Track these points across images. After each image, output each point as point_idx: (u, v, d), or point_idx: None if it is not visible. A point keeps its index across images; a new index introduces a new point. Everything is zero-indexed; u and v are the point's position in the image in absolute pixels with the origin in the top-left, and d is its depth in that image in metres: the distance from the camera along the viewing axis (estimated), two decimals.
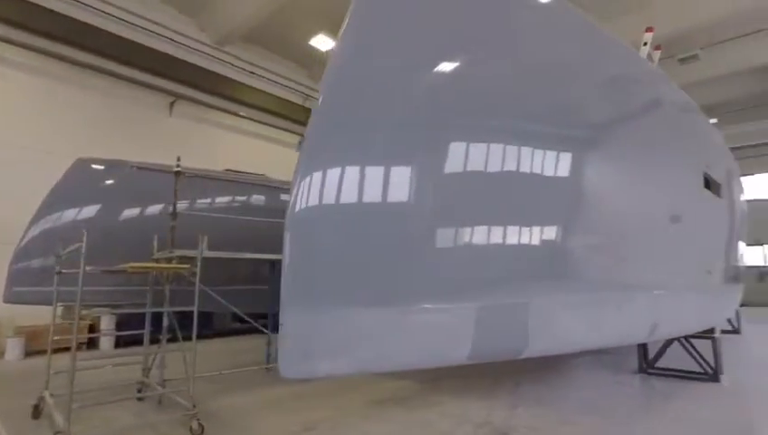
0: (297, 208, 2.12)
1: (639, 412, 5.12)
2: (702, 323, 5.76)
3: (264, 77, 14.20)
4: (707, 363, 6.36)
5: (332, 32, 13.21)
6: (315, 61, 15.29)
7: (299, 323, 2.13)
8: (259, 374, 6.72)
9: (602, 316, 3.01)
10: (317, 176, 2.15)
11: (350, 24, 2.47)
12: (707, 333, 6.24)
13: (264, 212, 8.10)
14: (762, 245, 22.04)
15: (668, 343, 6.62)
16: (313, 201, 2.13)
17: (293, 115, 15.06)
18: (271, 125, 14.39)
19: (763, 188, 22.44)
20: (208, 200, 8.22)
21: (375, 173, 2.20)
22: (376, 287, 2.22)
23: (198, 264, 4.91)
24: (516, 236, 2.45)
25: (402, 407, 5.21)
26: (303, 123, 15.38)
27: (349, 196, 2.17)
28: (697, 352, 6.43)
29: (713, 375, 6.25)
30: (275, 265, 7.28)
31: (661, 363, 6.68)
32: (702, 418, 4.80)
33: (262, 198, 9.12)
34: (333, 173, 2.16)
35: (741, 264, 7.56)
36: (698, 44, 13.47)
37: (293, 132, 15.12)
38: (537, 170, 2.66)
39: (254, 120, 13.89)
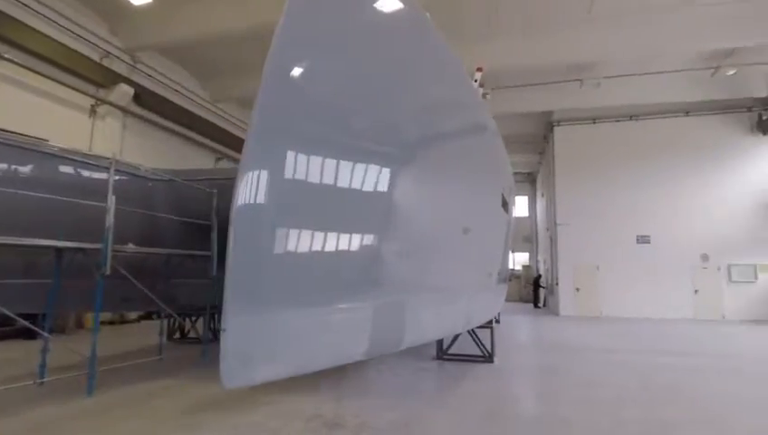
0: (243, 213, 2.04)
1: (440, 391, 6.01)
2: (489, 315, 7.10)
3: (48, 18, 11.31)
4: (485, 348, 7.84)
5: None
6: (123, 16, 12.95)
7: (244, 328, 2.07)
8: (29, 391, 5.35)
9: (443, 312, 3.52)
10: (261, 179, 2.12)
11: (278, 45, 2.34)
12: (488, 324, 7.69)
13: (40, 186, 6.43)
14: (512, 252, 28.42)
15: (458, 333, 7.90)
16: (259, 207, 2.08)
17: (87, 73, 12.38)
18: (55, 80, 11.52)
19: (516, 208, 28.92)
20: None
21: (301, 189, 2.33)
22: (307, 289, 2.32)
23: None
24: (395, 248, 2.71)
25: (225, 410, 4.89)
26: (99, 84, 12.84)
27: (286, 200, 2.23)
28: (478, 340, 7.87)
29: (489, 357, 7.74)
30: (62, 254, 5.90)
31: (452, 350, 7.93)
32: (483, 391, 5.91)
33: (37, 168, 7.22)
34: (275, 176, 2.18)
35: (508, 267, 9.57)
36: (489, 85, 16.31)
37: (86, 93, 12.47)
38: (402, 191, 2.93)
39: (31, 70, 10.90)
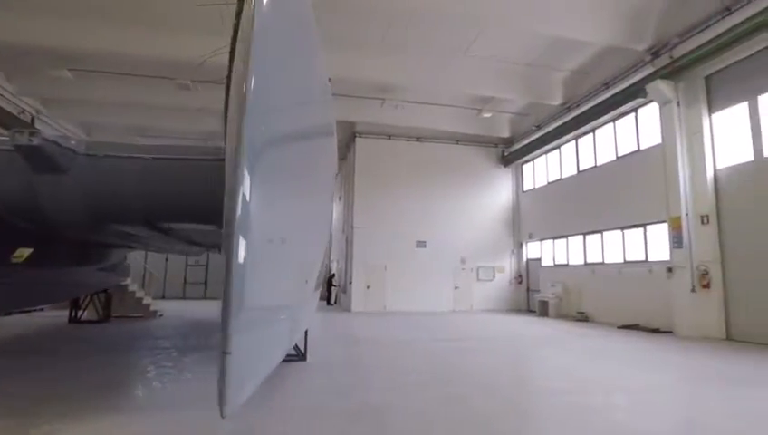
0: (243, 228, 1.86)
1: (265, 393, 5.87)
2: (311, 319, 7.34)
3: None
4: (298, 348, 8.03)
5: None
6: None
7: (246, 347, 1.94)
8: None
9: (302, 319, 3.62)
10: (254, 191, 1.94)
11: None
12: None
13: None
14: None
15: None
16: (253, 221, 1.89)
17: None
18: None
19: None
20: None
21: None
22: (276, 301, 2.43)
23: None
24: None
25: None
26: None
27: (270, 212, 2.16)
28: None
29: (302, 356, 7.97)
30: None
31: None
32: (307, 389, 6.12)
33: None
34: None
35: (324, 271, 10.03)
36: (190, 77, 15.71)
37: None
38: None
39: None
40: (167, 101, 17.59)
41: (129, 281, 14.80)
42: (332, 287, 24.43)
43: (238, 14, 2.87)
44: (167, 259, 25.43)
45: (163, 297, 23.71)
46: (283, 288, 2.64)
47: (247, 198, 1.81)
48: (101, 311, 13.77)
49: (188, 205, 6.51)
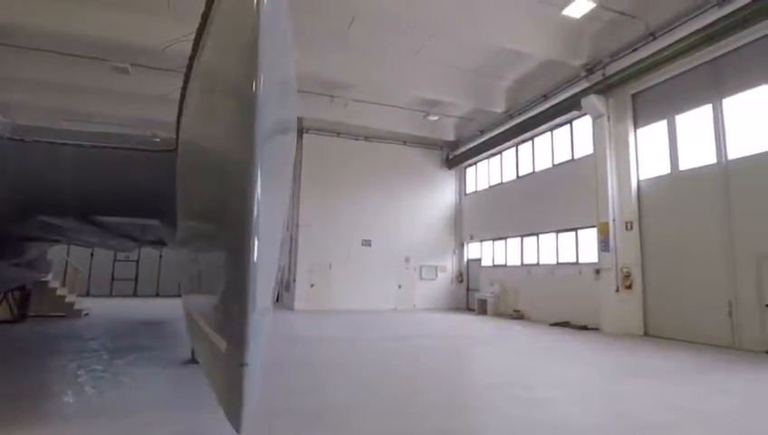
0: (257, 236, 1.80)
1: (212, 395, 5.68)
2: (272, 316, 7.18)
3: None
4: None
5: None
6: None
7: (259, 355, 1.90)
8: None
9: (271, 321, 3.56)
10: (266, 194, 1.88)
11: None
12: None
13: None
14: None
15: None
16: (262, 227, 1.81)
17: None
18: None
19: None
20: None
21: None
22: (269, 304, 2.51)
23: None
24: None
25: None
26: None
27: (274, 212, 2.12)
28: None
29: None
30: None
31: None
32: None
33: None
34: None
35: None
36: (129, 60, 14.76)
37: None
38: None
39: None
40: (99, 84, 16.32)
41: (50, 277, 13.57)
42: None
43: (209, 2, 2.75)
44: (92, 254, 23.55)
45: (87, 294, 21.94)
46: (271, 290, 2.59)
47: (259, 198, 1.75)
48: (16, 310, 12.52)
49: (131, 197, 6.12)
